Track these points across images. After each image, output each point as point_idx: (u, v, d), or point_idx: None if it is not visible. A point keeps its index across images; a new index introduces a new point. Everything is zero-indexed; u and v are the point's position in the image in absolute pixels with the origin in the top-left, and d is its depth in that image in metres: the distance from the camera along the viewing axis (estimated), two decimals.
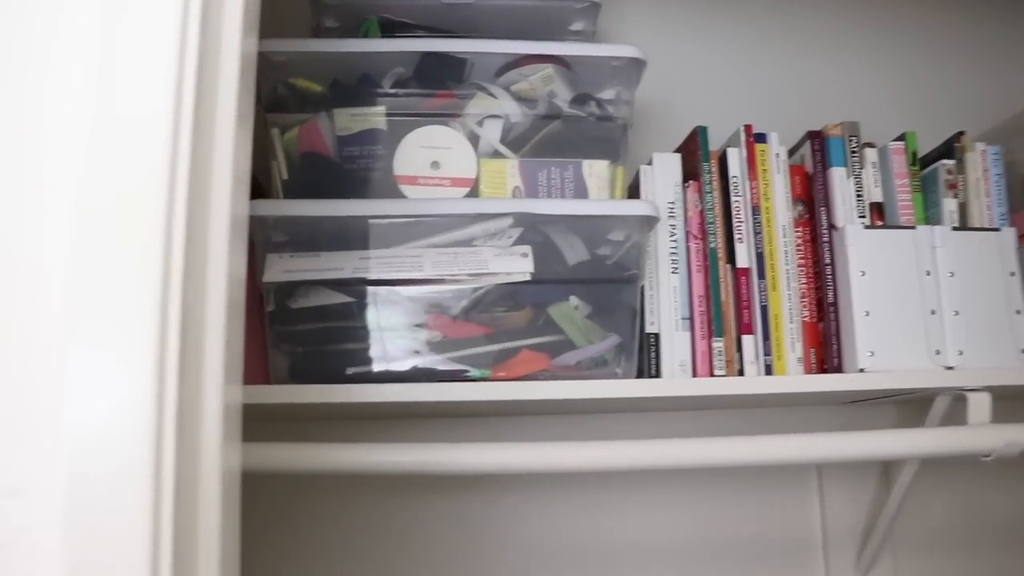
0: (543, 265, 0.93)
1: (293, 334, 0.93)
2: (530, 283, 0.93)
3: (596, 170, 0.97)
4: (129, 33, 0.47)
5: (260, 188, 1.03)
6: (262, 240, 0.94)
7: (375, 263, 0.93)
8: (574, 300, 0.94)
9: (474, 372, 0.92)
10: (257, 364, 0.98)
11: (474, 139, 0.98)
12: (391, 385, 0.89)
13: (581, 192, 0.97)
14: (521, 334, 0.93)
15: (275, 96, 0.99)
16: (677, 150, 1.07)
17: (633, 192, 1.06)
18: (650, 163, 1.05)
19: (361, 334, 0.92)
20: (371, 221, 0.93)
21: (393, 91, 0.99)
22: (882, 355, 0.97)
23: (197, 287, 0.50)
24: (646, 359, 0.99)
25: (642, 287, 0.99)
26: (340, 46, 0.98)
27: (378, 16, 1.07)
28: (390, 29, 1.06)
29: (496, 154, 0.98)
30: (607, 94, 1.03)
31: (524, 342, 0.93)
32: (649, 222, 0.96)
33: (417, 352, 0.92)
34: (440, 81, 0.99)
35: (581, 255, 0.95)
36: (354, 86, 0.99)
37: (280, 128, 0.99)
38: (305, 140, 0.98)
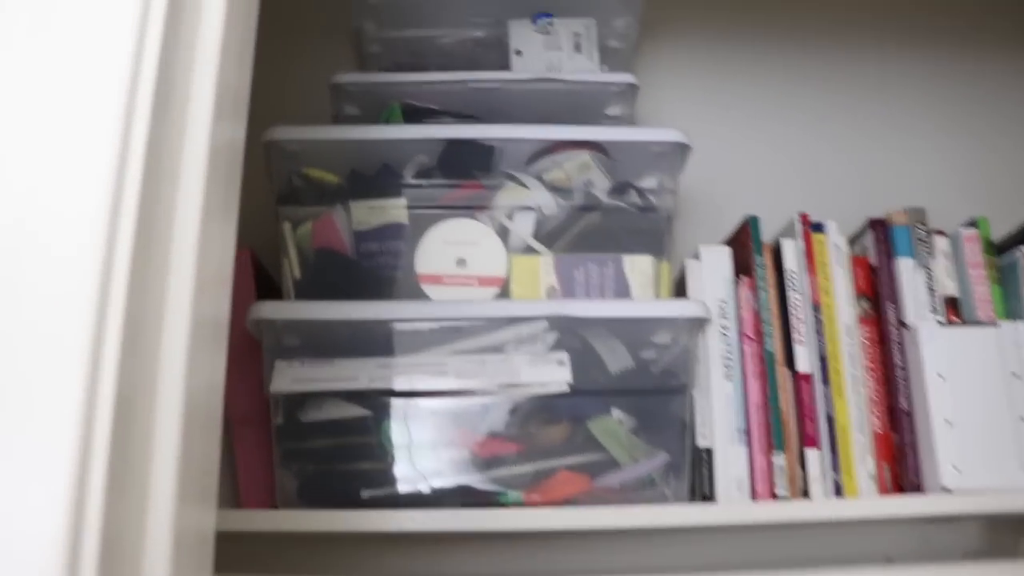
0: (582, 374, 0.83)
1: (303, 451, 0.84)
2: (568, 394, 0.83)
3: (639, 266, 0.88)
4: (62, 109, 0.39)
5: (276, 288, 0.95)
6: (271, 345, 0.85)
7: (394, 372, 0.83)
8: (617, 413, 0.84)
9: (506, 495, 0.81)
10: (264, 484, 0.88)
11: (504, 233, 0.89)
12: (411, 512, 0.78)
13: (623, 291, 0.88)
14: (558, 452, 0.83)
15: (288, 188, 0.91)
16: (727, 243, 0.98)
17: (679, 290, 0.96)
18: (697, 257, 0.96)
19: (378, 452, 0.83)
20: (390, 325, 0.84)
21: (415, 182, 0.91)
22: (970, 471, 0.86)
23: (144, 394, 0.41)
24: (698, 477, 0.88)
25: (692, 396, 0.88)
26: (357, 133, 0.90)
27: (401, 102, 1.00)
28: (413, 115, 0.98)
29: (528, 250, 0.89)
30: (648, 183, 0.94)
31: (562, 461, 0.82)
32: (698, 323, 0.86)
33: (441, 473, 0.82)
34: (466, 170, 0.90)
35: (624, 362, 0.85)
36: (373, 177, 0.91)
37: (293, 222, 0.91)
38: (320, 235, 0.90)
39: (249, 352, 0.86)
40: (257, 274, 0.97)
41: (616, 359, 0.85)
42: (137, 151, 0.39)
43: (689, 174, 0.99)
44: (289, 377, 0.84)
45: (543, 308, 0.83)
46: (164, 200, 0.42)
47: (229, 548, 0.56)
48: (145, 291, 0.40)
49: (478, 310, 0.84)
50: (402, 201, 0.89)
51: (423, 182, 0.91)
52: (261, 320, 0.84)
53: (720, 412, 0.89)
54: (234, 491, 0.91)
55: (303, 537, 0.85)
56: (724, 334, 0.91)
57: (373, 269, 0.89)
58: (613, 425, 0.84)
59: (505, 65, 1.04)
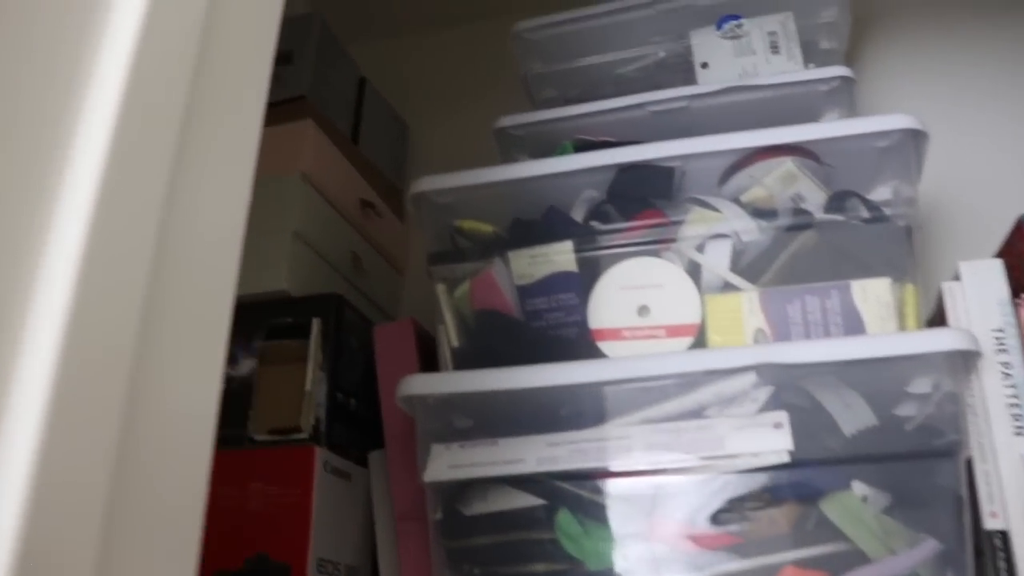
0: (808, 439, 0.64)
1: (466, 550, 0.70)
2: (790, 467, 0.64)
3: (873, 293, 0.68)
4: None
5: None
6: (426, 426, 0.73)
7: (568, 451, 0.68)
8: (860, 488, 0.63)
9: None
10: None
11: (695, 271, 0.72)
12: None
13: (854, 326, 0.68)
14: (782, 544, 0.63)
15: (441, 245, 0.80)
16: (997, 255, 0.75)
17: (935, 321, 0.74)
18: (956, 277, 0.74)
19: (553, 550, 0.67)
20: (559, 394, 0.69)
21: (586, 224, 0.77)
22: None
23: None
24: (990, 570, 0.64)
25: (968, 460, 0.66)
26: (512, 172, 0.78)
27: (574, 140, 0.87)
28: (588, 152, 0.85)
29: (727, 287, 0.71)
30: (881, 193, 0.74)
31: (788, 556, 0.63)
32: (965, 360, 0.64)
33: (635, 574, 0.65)
34: (643, 200, 0.75)
35: (864, 420, 0.64)
36: (533, 221, 0.78)
37: (448, 284, 0.79)
38: (479, 295, 0.77)
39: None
40: (423, 348, 0.86)
41: (852, 416, 0.64)
42: None
43: (928, 178, 0.78)
44: (444, 463, 0.71)
45: (749, 356, 0.65)
46: None
47: None
48: None
49: (666, 365, 0.67)
50: (567, 245, 0.75)
51: (594, 222, 0.76)
52: (412, 396, 0.72)
53: (1012, 479, 0.65)
54: None
55: None
56: (1007, 373, 0.68)
57: (542, 329, 0.75)
58: (855, 504, 0.63)
59: (692, 83, 0.88)
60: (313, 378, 0.83)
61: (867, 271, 0.69)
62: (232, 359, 0.87)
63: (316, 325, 0.85)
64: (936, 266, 0.82)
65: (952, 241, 0.86)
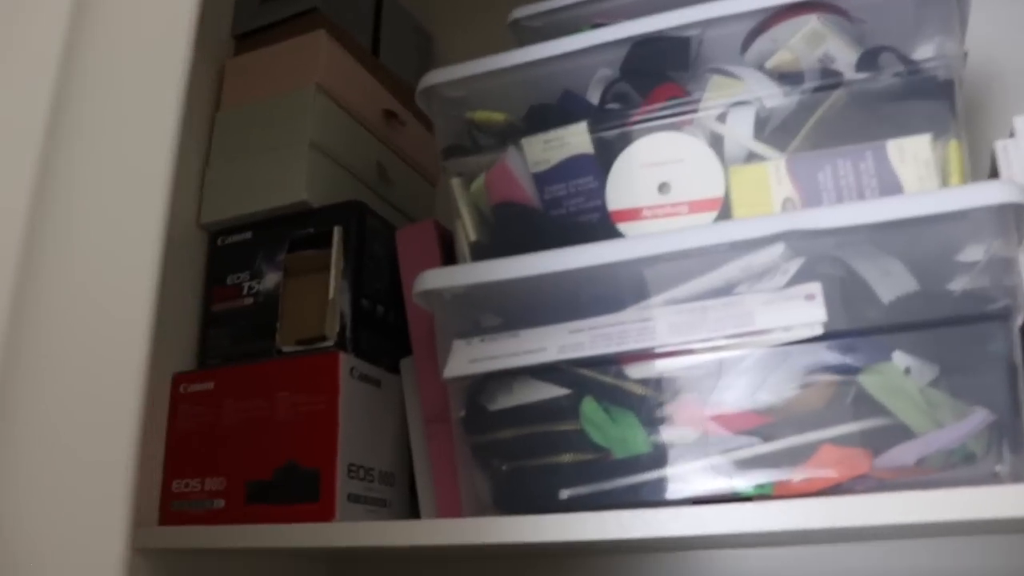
0: (843, 309, 0.60)
1: (492, 445, 0.67)
2: (824, 339, 0.59)
3: (912, 151, 0.62)
4: None
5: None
6: (446, 322, 0.70)
7: (591, 337, 0.65)
8: (902, 359, 0.59)
9: (746, 487, 0.59)
10: (452, 488, 0.74)
11: (717, 142, 0.68)
12: (622, 514, 0.59)
13: (891, 188, 0.62)
14: (818, 421, 0.59)
15: (454, 139, 0.77)
16: None
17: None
18: (1011, 135, 0.68)
19: (578, 440, 0.64)
20: (578, 278, 0.65)
21: (602, 105, 0.72)
22: None
23: None
24: None
25: (1023, 325, 0.61)
26: (521, 56, 0.74)
27: (592, 24, 0.82)
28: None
29: (752, 156, 0.67)
30: (921, 51, 0.68)
31: (824, 433, 0.59)
32: (1017, 217, 0.59)
33: (660, 460, 0.62)
34: (658, 74, 0.70)
35: (904, 286, 0.59)
36: (548, 106, 0.74)
37: (464, 177, 0.76)
38: (495, 187, 0.74)
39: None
40: (446, 250, 0.84)
41: (891, 283, 0.60)
42: None
43: (981, 33, 0.71)
44: (464, 358, 0.68)
45: (777, 225, 0.61)
46: None
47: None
48: None
49: (689, 240, 0.63)
50: (581, 126, 0.71)
51: (608, 100, 0.72)
52: (429, 292, 0.69)
53: None
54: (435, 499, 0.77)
55: (491, 551, 0.69)
56: None
57: (562, 217, 0.72)
58: (897, 376, 0.58)
59: None
60: (336, 286, 0.81)
61: (905, 130, 0.63)
62: (257, 274, 0.85)
63: (337, 233, 0.83)
64: (988, 126, 0.75)
65: (1005, 99, 0.79)
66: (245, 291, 0.86)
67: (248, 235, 0.88)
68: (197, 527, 0.73)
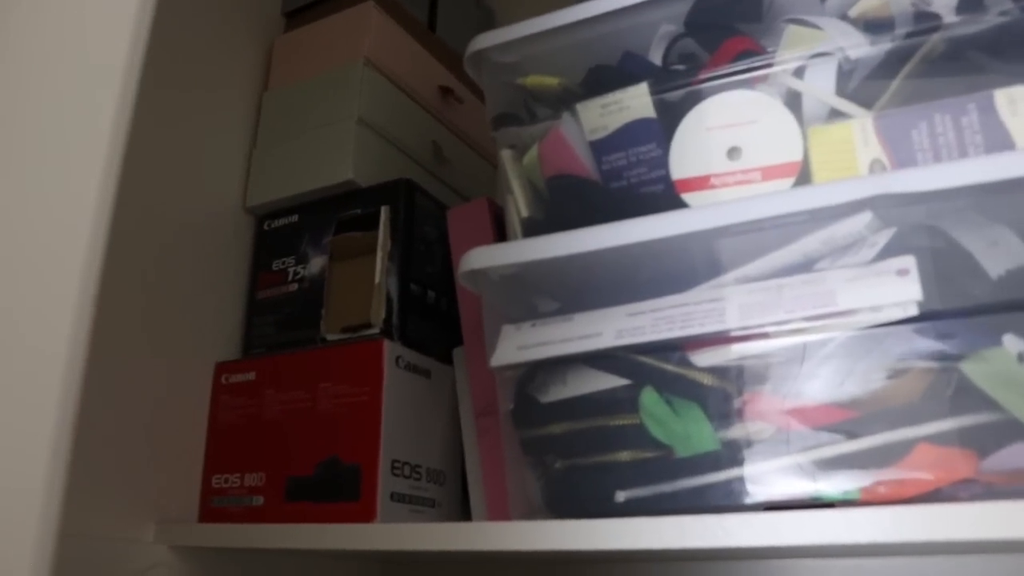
0: (942, 286, 0.51)
1: (543, 440, 0.61)
2: (919, 320, 0.51)
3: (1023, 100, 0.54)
4: None
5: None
6: (494, 305, 0.64)
7: (650, 320, 0.58)
8: (1014, 343, 0.50)
9: (829, 492, 0.51)
10: (501, 488, 0.68)
11: (794, 100, 0.60)
12: (684, 520, 0.52)
13: (1000, 144, 0.54)
14: (913, 416, 0.51)
15: (505, 108, 0.71)
16: None
17: None
18: None
19: (637, 436, 0.57)
20: (637, 256, 0.59)
21: (666, 64, 0.65)
22: None
23: None
24: None
25: None
26: (577, 13, 0.67)
27: None
28: None
29: (834, 115, 0.59)
30: None
31: (920, 430, 0.51)
32: None
33: (727, 459, 0.54)
34: (727, 26, 0.63)
35: (1015, 258, 0.51)
36: (607, 68, 0.67)
37: (516, 149, 0.70)
38: (549, 158, 0.68)
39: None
40: (501, 230, 0.78)
41: (1000, 255, 0.51)
42: None
43: None
44: (514, 345, 0.62)
45: (863, 188, 0.53)
46: None
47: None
48: None
49: (762, 208, 0.55)
50: (642, 88, 0.64)
51: (672, 59, 0.65)
52: (476, 272, 0.64)
53: None
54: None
55: (545, 556, 0.62)
56: None
57: (623, 190, 0.65)
58: (1008, 363, 0.50)
59: None
60: (382, 269, 0.76)
61: (1015, 79, 0.55)
62: (303, 258, 0.81)
63: (384, 213, 0.78)
64: None
65: None
66: (291, 276, 0.81)
67: (295, 218, 0.84)
68: (231, 525, 0.68)
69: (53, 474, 0.27)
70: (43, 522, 0.27)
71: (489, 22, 1.11)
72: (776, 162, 0.59)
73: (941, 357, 0.51)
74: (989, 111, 0.54)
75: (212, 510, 0.75)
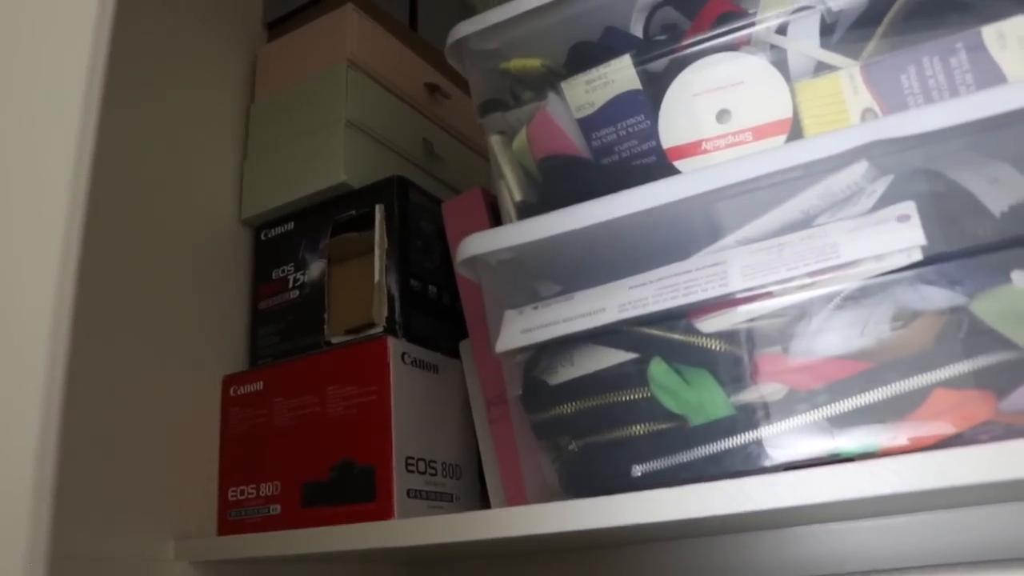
0: (945, 229, 0.51)
1: (555, 423, 0.60)
2: (924, 265, 0.50)
3: (1015, 34, 0.53)
4: None
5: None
6: (495, 292, 0.64)
7: (653, 290, 0.57)
8: (1022, 278, 0.50)
9: (847, 447, 0.51)
10: (518, 475, 0.67)
11: (779, 57, 0.59)
12: (701, 488, 0.51)
13: (992, 81, 0.53)
14: (927, 362, 0.50)
15: (489, 94, 0.70)
16: None
17: None
18: None
19: (650, 408, 0.57)
20: (634, 227, 0.58)
21: (648, 35, 0.65)
22: None
23: None
24: None
25: None
26: None
27: None
28: None
29: (821, 68, 0.58)
30: None
31: (934, 376, 0.50)
32: None
33: (742, 424, 0.54)
34: None
35: (1017, 192, 0.50)
36: (589, 44, 0.67)
37: (505, 134, 0.69)
38: (538, 140, 0.67)
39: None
40: (497, 220, 0.77)
41: (1001, 191, 0.50)
42: None
43: None
44: (517, 329, 0.62)
45: (856, 136, 0.52)
46: None
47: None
48: None
49: (753, 167, 0.54)
50: (625, 60, 0.63)
51: (653, 30, 0.64)
52: (474, 259, 0.63)
53: None
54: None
55: (569, 540, 0.62)
56: None
57: (615, 165, 0.64)
58: (1019, 300, 0.49)
59: None
60: (381, 267, 0.76)
61: (1001, 14, 0.54)
62: (302, 265, 0.81)
63: (379, 211, 0.78)
64: None
65: None
66: (291, 284, 0.81)
67: (291, 226, 0.83)
68: (249, 535, 0.68)
69: (39, 503, 0.26)
70: (31, 547, 0.27)
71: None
72: (766, 121, 0.58)
73: (950, 300, 0.50)
74: (978, 48, 0.53)
75: (230, 523, 0.74)
